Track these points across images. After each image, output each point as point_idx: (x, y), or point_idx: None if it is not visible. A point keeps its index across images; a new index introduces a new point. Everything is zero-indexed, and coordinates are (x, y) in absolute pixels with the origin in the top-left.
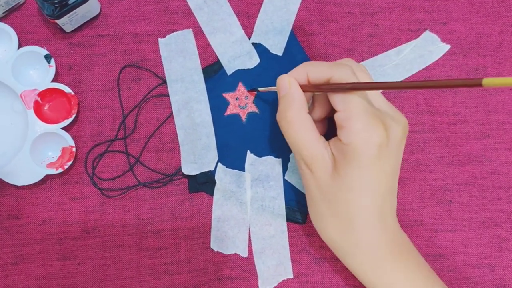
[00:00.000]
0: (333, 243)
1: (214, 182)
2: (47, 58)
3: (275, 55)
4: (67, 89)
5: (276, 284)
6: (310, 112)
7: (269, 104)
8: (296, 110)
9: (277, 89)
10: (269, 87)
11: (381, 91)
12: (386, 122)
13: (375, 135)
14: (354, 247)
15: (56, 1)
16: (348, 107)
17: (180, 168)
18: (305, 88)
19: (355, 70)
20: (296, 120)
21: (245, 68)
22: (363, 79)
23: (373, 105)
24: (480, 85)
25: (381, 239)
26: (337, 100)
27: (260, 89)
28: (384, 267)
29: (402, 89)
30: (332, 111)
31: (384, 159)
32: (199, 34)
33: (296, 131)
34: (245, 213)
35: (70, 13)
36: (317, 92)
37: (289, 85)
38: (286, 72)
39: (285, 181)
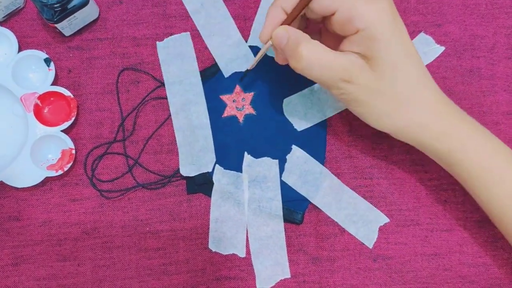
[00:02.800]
0: (402, 131)
1: (212, 183)
2: (47, 61)
3: (272, 57)
4: (67, 92)
5: (273, 284)
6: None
7: (266, 105)
8: (307, 43)
9: (276, 44)
10: (258, 55)
11: None
12: None
13: (381, 2)
14: (426, 118)
15: (55, 5)
16: (341, 1)
17: (178, 170)
18: (289, 19)
19: None
20: (313, 51)
21: (242, 70)
22: None
23: None
24: None
25: (435, 100)
26: (326, 4)
27: (249, 67)
28: (456, 124)
29: None
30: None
31: (398, 21)
32: (196, 37)
33: (318, 60)
34: (243, 214)
35: (69, 17)
36: (303, 8)
37: (285, 32)
38: (282, 74)
39: (282, 182)
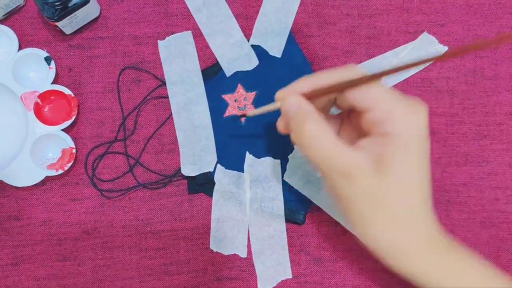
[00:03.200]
0: (385, 247)
1: (213, 183)
2: (47, 60)
3: (274, 57)
4: (67, 91)
5: (275, 284)
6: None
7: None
8: (313, 125)
9: (283, 110)
10: (261, 108)
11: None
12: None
13: (420, 115)
14: (410, 243)
15: (56, 3)
16: (380, 100)
17: (179, 169)
18: (312, 94)
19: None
20: (318, 133)
21: (244, 70)
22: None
23: (397, 92)
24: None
25: (434, 231)
26: (364, 98)
27: (248, 113)
28: (442, 259)
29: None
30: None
31: (426, 142)
32: (198, 36)
33: (321, 147)
34: (244, 214)
35: (70, 16)
36: (324, 95)
37: (297, 103)
38: (285, 74)
39: (284, 182)
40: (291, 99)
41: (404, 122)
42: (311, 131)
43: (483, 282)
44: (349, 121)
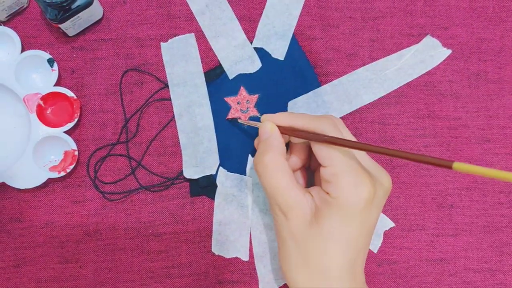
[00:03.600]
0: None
1: (216, 186)
2: (50, 62)
3: (277, 59)
4: (70, 93)
5: None
6: (288, 160)
7: (271, 108)
8: (274, 155)
9: (260, 132)
10: (249, 121)
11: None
12: (372, 179)
13: (362, 191)
14: None
15: (59, 5)
16: (334, 163)
17: (181, 172)
18: (285, 130)
19: (339, 126)
20: (273, 165)
21: (247, 72)
22: (347, 135)
23: (359, 161)
24: (451, 167)
25: None
26: (323, 155)
27: (239, 120)
28: None
29: (379, 153)
30: (308, 161)
31: (367, 214)
32: (201, 38)
33: (272, 176)
34: (246, 217)
35: (73, 18)
36: (295, 136)
37: (271, 131)
38: (288, 77)
39: None
40: (267, 126)
41: (346, 192)
42: (269, 162)
43: None
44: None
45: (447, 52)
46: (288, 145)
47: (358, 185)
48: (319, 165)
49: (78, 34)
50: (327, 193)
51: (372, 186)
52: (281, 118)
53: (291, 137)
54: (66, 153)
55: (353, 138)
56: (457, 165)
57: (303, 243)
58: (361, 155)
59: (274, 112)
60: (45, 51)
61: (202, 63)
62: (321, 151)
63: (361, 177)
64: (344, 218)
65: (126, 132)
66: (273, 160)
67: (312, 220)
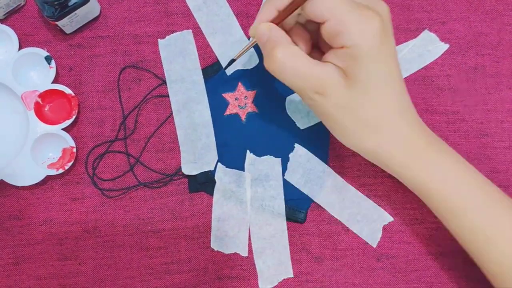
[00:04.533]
0: (370, 151)
1: (214, 182)
2: (48, 59)
3: None
4: (68, 90)
5: (276, 284)
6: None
7: (269, 104)
8: (284, 46)
9: (257, 39)
10: (243, 48)
11: None
12: (374, 9)
13: (373, 23)
14: (392, 145)
15: (56, 2)
16: (334, 12)
17: (180, 168)
18: (278, 18)
19: None
20: (288, 55)
21: (245, 68)
22: None
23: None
24: None
25: (413, 128)
26: (319, 11)
27: (235, 57)
28: (425, 154)
29: None
30: (313, 42)
31: (387, 43)
32: (198, 34)
33: (293, 66)
34: (245, 212)
35: (70, 15)
36: (288, 14)
37: (268, 29)
38: None
39: (284, 181)
40: (262, 28)
41: (358, 33)
42: (280, 56)
43: (456, 170)
44: (321, 40)
45: (445, 46)
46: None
47: (364, 21)
48: (320, 28)
49: (75, 32)
50: (342, 47)
51: (378, 15)
52: (265, 13)
53: (287, 21)
54: (64, 150)
55: None
56: None
57: (351, 108)
58: None
59: (273, 108)
60: (42, 48)
61: (199, 60)
62: (314, 8)
63: (364, 12)
64: (373, 60)
65: (124, 129)
66: (284, 50)
67: (346, 83)
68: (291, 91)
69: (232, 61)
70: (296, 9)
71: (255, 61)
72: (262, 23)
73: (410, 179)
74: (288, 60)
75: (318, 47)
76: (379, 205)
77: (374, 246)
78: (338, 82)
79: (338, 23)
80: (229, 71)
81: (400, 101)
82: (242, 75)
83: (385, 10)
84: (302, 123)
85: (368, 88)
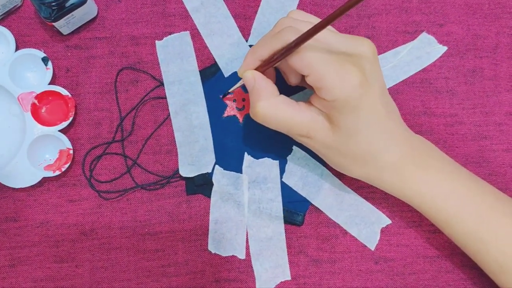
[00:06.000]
0: (364, 178)
1: (212, 184)
2: (45, 60)
3: None
4: (65, 92)
5: (273, 286)
6: (288, 81)
7: None
8: (265, 100)
9: (245, 84)
10: (237, 84)
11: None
12: (353, 57)
13: (351, 77)
14: (381, 174)
15: (53, 3)
16: (313, 68)
17: (177, 170)
18: (264, 66)
19: (298, 26)
20: (269, 109)
21: None
22: (305, 27)
23: (331, 50)
24: None
25: (400, 156)
26: (300, 66)
27: (230, 90)
28: (409, 176)
29: (342, 14)
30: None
31: (369, 90)
32: (196, 36)
33: (275, 118)
34: (243, 215)
35: (67, 16)
36: (272, 65)
37: (252, 77)
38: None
39: (282, 183)
40: (247, 75)
41: (338, 88)
42: (261, 110)
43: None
44: None
45: (443, 49)
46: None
47: (344, 77)
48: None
49: (72, 33)
50: (325, 99)
51: (356, 67)
52: (249, 60)
53: (276, 66)
54: (61, 152)
55: (316, 20)
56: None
57: (336, 147)
58: (331, 38)
59: None
60: (39, 49)
61: (197, 61)
62: (296, 62)
63: (342, 67)
64: (354, 110)
65: (121, 131)
66: (266, 104)
67: (332, 126)
68: (289, 93)
69: (228, 93)
70: (278, 61)
71: None
72: (247, 70)
73: (401, 197)
74: (270, 113)
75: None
76: (377, 208)
77: (372, 249)
78: (323, 126)
79: (317, 80)
80: (227, 73)
81: (387, 135)
82: (240, 77)
83: (369, 50)
84: None
85: (351, 133)
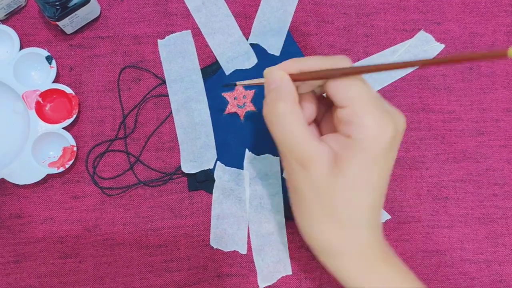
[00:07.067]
0: (324, 245)
1: (213, 180)
2: (48, 59)
3: (273, 55)
4: (68, 90)
5: (275, 281)
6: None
7: None
8: (288, 103)
9: (266, 82)
10: (249, 80)
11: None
12: (391, 117)
13: (388, 129)
14: (349, 247)
15: (57, 3)
16: (354, 102)
17: (179, 167)
18: (298, 76)
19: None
20: (289, 113)
21: (243, 68)
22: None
23: (375, 97)
24: (505, 55)
25: (375, 239)
26: (341, 95)
27: (238, 82)
28: (376, 267)
29: (408, 67)
30: (319, 112)
31: (391, 154)
32: (197, 35)
33: (287, 125)
34: (244, 210)
35: (71, 15)
36: (307, 79)
37: (281, 78)
38: None
39: (283, 179)
40: (277, 74)
41: (371, 130)
42: (283, 109)
43: None
44: (331, 111)
45: (440, 46)
46: None
47: (383, 123)
48: (332, 109)
49: (76, 32)
50: (348, 136)
51: (395, 124)
52: (289, 64)
53: (299, 88)
54: (65, 149)
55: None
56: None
57: (325, 193)
58: (375, 90)
59: None
60: (43, 48)
61: (198, 60)
62: (338, 90)
63: (384, 115)
64: (368, 161)
65: (124, 128)
66: (287, 107)
67: (333, 169)
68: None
69: (234, 84)
70: (318, 79)
71: (254, 61)
72: (278, 70)
73: (344, 283)
74: (287, 118)
75: (317, 123)
76: None
77: None
78: (325, 164)
79: (355, 114)
80: (228, 71)
81: (374, 208)
82: (241, 75)
83: (402, 124)
84: None
85: (348, 184)
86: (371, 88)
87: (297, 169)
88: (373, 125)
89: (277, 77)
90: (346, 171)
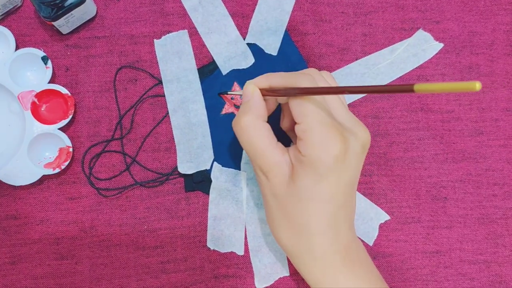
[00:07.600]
0: (287, 250)
1: (210, 181)
2: (44, 59)
3: (270, 55)
4: (64, 90)
5: (272, 282)
6: (281, 122)
7: None
8: (252, 117)
9: (243, 95)
10: (236, 92)
11: (347, 101)
12: (344, 134)
13: (331, 147)
14: (306, 254)
15: (52, 3)
16: (306, 119)
17: (176, 168)
18: (267, 92)
19: (317, 80)
20: (250, 127)
21: (240, 68)
22: (322, 85)
23: (332, 116)
24: (412, 90)
25: (332, 247)
26: (297, 112)
27: (229, 92)
28: (333, 274)
29: (351, 93)
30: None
31: (340, 171)
32: (194, 35)
33: (250, 138)
34: (241, 211)
35: (67, 15)
36: (274, 95)
37: (251, 93)
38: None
39: None
40: (248, 88)
41: (315, 149)
42: (246, 123)
43: None
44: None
45: (439, 45)
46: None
47: (327, 142)
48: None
49: (72, 32)
50: (299, 151)
51: (342, 143)
52: (260, 80)
53: (278, 98)
54: (61, 150)
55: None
56: (418, 87)
57: (283, 202)
58: (338, 109)
59: None
60: (39, 49)
61: (195, 60)
62: (295, 107)
63: (331, 133)
64: (316, 176)
65: (120, 129)
66: (250, 121)
67: (289, 180)
68: None
69: (225, 92)
70: (281, 96)
71: (251, 60)
72: (250, 85)
73: (312, 284)
74: (249, 131)
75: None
76: (375, 204)
77: (371, 244)
78: (284, 174)
79: (304, 131)
80: (225, 71)
81: (326, 221)
82: (238, 75)
83: (364, 138)
84: None
85: (301, 196)
86: (325, 107)
87: (261, 177)
88: (318, 144)
89: (249, 91)
90: (299, 183)
